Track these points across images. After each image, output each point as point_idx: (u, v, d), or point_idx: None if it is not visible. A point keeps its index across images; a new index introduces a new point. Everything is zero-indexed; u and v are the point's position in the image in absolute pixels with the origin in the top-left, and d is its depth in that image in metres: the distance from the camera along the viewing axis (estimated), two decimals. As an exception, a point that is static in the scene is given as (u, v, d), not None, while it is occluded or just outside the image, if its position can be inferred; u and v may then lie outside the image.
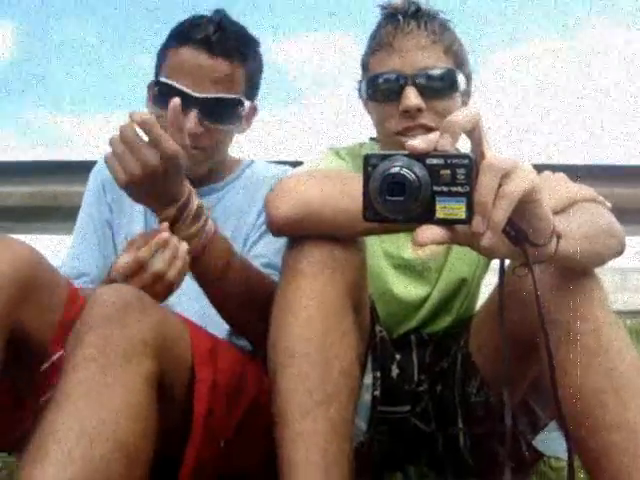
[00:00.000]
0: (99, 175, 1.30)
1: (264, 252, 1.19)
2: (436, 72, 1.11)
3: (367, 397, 1.11)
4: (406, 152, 0.63)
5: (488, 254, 0.70)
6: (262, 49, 1.25)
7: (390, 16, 1.14)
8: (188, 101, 1.10)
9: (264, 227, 1.17)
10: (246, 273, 1.06)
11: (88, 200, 1.30)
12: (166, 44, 1.20)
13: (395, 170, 0.62)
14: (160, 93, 1.15)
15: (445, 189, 0.62)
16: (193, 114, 1.11)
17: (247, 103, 1.21)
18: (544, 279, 0.87)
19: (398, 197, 0.62)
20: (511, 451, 1.11)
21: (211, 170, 1.25)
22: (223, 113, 1.16)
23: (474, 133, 0.65)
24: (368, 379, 1.12)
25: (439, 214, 0.63)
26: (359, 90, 1.21)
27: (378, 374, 1.13)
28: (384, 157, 0.64)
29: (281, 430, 0.85)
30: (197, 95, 1.12)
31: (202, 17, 1.19)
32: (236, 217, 1.25)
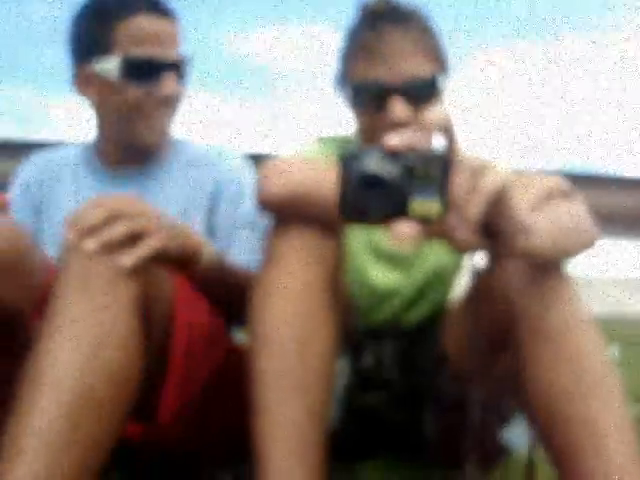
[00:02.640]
0: (23, 175, 1.30)
1: (240, 252, 1.20)
2: (422, 80, 1.08)
3: (339, 385, 1.12)
4: (382, 148, 0.65)
5: (461, 249, 0.71)
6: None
7: (369, 20, 1.12)
8: (162, 68, 1.14)
9: (233, 220, 1.21)
10: (230, 274, 1.08)
11: (13, 200, 1.29)
12: (106, 17, 1.16)
13: (371, 167, 0.64)
14: (130, 67, 1.15)
15: (420, 186, 0.64)
16: (172, 77, 1.15)
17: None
18: (515, 275, 0.88)
19: (375, 195, 0.63)
20: (477, 445, 1.14)
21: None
22: (185, 73, 1.21)
23: (447, 131, 0.66)
24: (341, 367, 1.13)
25: (414, 211, 0.64)
26: (336, 86, 1.19)
27: (350, 362, 1.14)
28: (359, 154, 0.65)
29: (257, 415, 0.86)
30: (170, 61, 1.16)
31: None
32: (180, 206, 1.22)
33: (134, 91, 1.15)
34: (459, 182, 0.64)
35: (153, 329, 0.90)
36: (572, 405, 0.84)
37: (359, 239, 1.21)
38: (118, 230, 0.83)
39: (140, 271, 0.84)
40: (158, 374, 0.93)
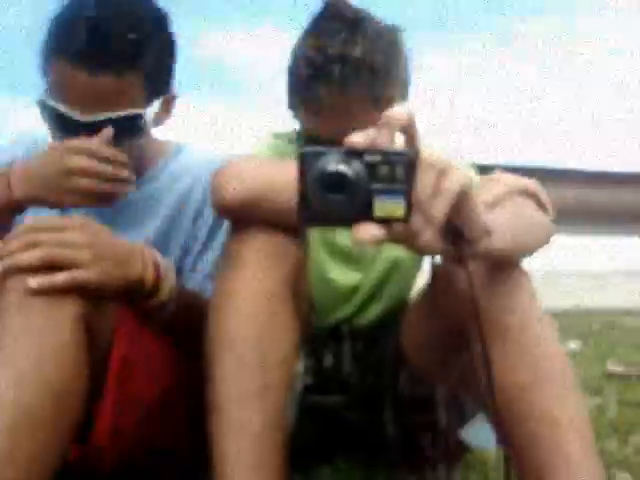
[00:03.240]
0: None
1: (206, 265, 1.14)
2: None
3: (298, 386, 1.10)
4: (343, 148, 0.61)
5: (423, 252, 0.70)
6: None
7: (324, 70, 1.00)
8: (75, 126, 0.98)
9: (205, 237, 1.14)
10: (189, 306, 1.01)
11: None
12: (46, 50, 1.01)
13: (333, 167, 0.59)
14: (49, 119, 1.02)
15: (384, 187, 0.60)
16: (94, 141, 0.97)
17: (149, 109, 1.05)
18: (474, 273, 0.87)
19: (337, 196, 0.59)
20: (438, 443, 1.13)
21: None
22: (121, 133, 1.00)
23: (409, 130, 0.63)
24: (300, 367, 1.11)
25: (378, 212, 0.60)
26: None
27: (309, 363, 1.12)
28: (320, 154, 0.60)
29: (214, 419, 0.84)
30: (86, 120, 0.98)
31: (74, 16, 0.98)
32: (169, 210, 1.15)
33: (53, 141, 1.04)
34: (423, 183, 0.61)
35: (94, 356, 0.87)
36: (529, 400, 0.83)
37: (315, 236, 1.19)
38: (32, 255, 0.81)
39: (77, 295, 0.81)
40: (92, 400, 0.90)
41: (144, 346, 0.98)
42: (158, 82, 1.06)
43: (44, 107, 1.01)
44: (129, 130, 1.02)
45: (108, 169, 0.97)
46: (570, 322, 4.08)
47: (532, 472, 0.81)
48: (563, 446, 0.80)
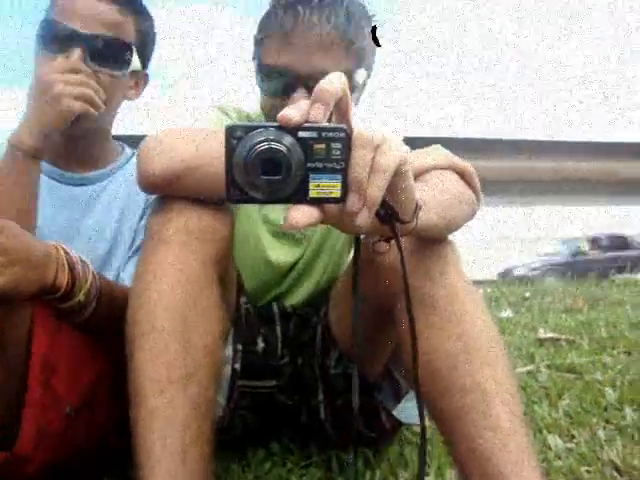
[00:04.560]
0: None
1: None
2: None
3: (227, 370, 1.06)
4: (275, 124, 0.56)
5: (354, 232, 0.66)
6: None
7: (290, 2, 1.00)
8: (73, 39, 1.06)
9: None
10: (113, 299, 0.98)
11: None
12: None
13: (265, 145, 0.55)
14: (47, 33, 1.09)
15: (319, 165, 0.56)
16: (77, 50, 1.06)
17: (138, 62, 1.16)
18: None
19: (269, 175, 0.55)
20: (371, 421, 1.12)
21: (98, 154, 1.20)
22: (110, 56, 1.10)
23: (341, 103, 0.59)
24: (228, 351, 1.07)
25: (312, 193, 0.57)
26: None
27: (239, 347, 1.08)
28: (250, 128, 0.56)
29: (136, 408, 0.78)
30: (84, 32, 1.07)
31: None
32: (119, 210, 1.19)
33: (43, 62, 1.07)
34: (358, 160, 0.57)
35: (9, 358, 0.84)
36: (458, 372, 0.82)
37: (258, 217, 1.15)
38: None
39: None
40: (18, 404, 0.86)
41: (64, 344, 0.93)
42: (144, 47, 1.18)
43: (47, 24, 1.09)
44: (118, 58, 1.11)
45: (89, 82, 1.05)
46: (503, 290, 4.20)
47: (462, 443, 0.80)
48: (492, 415, 0.79)
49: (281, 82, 1.00)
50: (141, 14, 1.16)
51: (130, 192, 1.19)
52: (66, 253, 0.91)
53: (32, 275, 0.83)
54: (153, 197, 0.95)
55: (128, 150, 1.28)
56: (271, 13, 1.02)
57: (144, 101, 1.25)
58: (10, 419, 0.84)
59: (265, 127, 0.56)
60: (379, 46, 1.07)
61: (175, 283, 0.82)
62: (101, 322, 0.96)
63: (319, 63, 0.97)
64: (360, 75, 1.03)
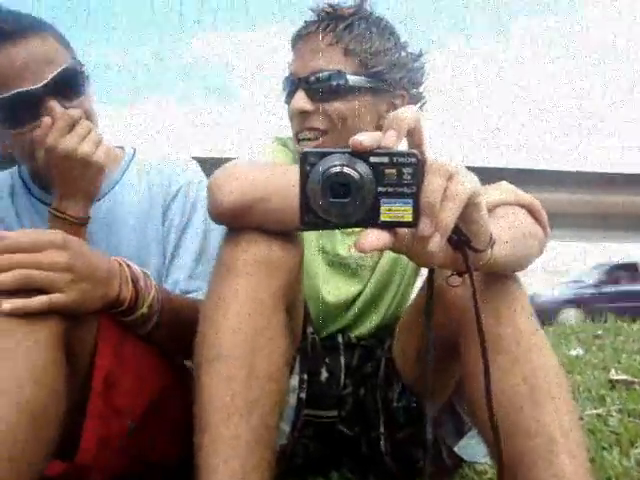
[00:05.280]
0: None
1: (177, 278, 1.13)
2: (324, 74, 1.07)
3: (292, 399, 1.08)
4: (348, 149, 0.58)
5: (426, 262, 0.67)
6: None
7: (304, 23, 1.13)
8: (33, 94, 0.99)
9: (176, 239, 1.14)
10: (175, 311, 1.01)
11: None
12: None
13: (337, 169, 0.57)
14: (14, 106, 1.01)
15: (390, 190, 0.58)
16: (51, 102, 1.00)
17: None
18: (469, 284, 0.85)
19: (341, 199, 0.57)
20: (432, 457, 1.11)
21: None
22: (70, 87, 1.04)
23: (415, 132, 0.61)
24: (294, 381, 1.09)
25: (384, 216, 0.58)
26: None
27: (305, 376, 1.10)
28: (323, 154, 0.59)
29: (200, 432, 0.82)
30: (38, 86, 0.99)
31: None
32: (136, 219, 1.15)
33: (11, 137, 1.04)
34: (432, 186, 0.59)
35: (76, 371, 0.87)
36: (524, 414, 0.81)
37: (315, 247, 1.17)
38: (6, 277, 0.80)
39: (55, 314, 0.80)
40: (80, 414, 0.89)
41: (128, 357, 0.96)
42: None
43: (9, 100, 0.99)
44: (76, 84, 1.05)
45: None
46: (573, 328, 4.05)
47: None
48: (556, 463, 0.78)
49: (288, 88, 1.12)
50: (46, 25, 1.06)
51: (146, 199, 1.15)
52: (129, 267, 0.94)
53: (97, 291, 0.87)
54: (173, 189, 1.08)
55: (127, 150, 1.23)
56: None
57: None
58: (72, 430, 0.86)
59: (338, 152, 0.59)
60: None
61: (243, 312, 0.85)
62: (164, 333, 0.99)
63: (311, 65, 1.08)
64: (356, 80, 1.08)
